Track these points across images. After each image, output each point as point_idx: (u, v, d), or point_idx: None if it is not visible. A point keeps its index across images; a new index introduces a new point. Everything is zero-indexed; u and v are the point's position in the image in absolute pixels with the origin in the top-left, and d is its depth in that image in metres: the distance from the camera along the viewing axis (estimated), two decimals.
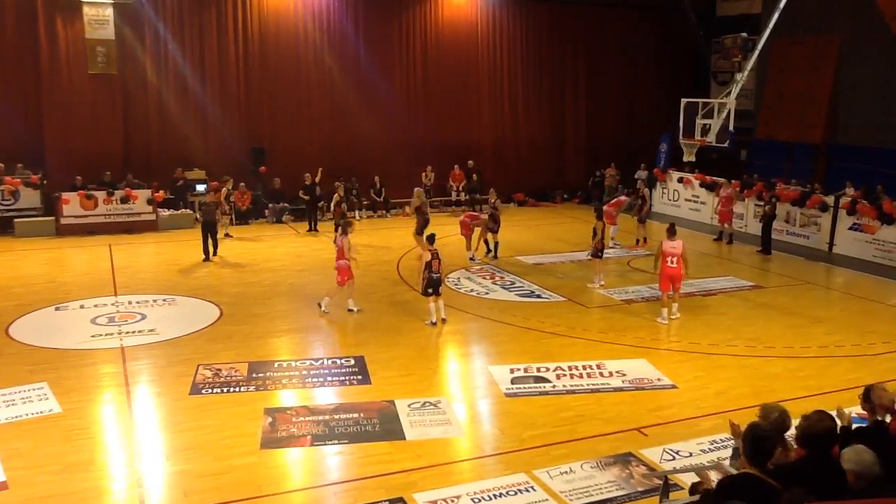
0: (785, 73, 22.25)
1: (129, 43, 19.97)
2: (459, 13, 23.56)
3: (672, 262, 11.89)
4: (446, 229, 17.47)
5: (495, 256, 16.35)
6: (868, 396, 5.31)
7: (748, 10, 23.88)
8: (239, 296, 13.39)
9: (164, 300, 13.08)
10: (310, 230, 19.46)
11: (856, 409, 5.61)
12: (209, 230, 16.13)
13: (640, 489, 6.89)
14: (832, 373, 9.96)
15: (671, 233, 12.27)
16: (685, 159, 20.68)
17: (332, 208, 17.91)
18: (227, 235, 18.18)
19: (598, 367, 9.99)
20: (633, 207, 18.85)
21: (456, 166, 23.18)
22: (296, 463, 7.48)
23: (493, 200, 16.91)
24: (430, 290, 11.65)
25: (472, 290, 13.98)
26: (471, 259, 16.22)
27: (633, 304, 13.18)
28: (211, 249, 16.12)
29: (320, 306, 12.32)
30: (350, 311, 12.34)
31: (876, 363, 10.30)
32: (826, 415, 4.50)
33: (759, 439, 4.21)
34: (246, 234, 19.09)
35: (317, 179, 19.56)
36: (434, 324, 11.69)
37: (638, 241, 18.02)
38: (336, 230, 14.42)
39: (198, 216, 19.53)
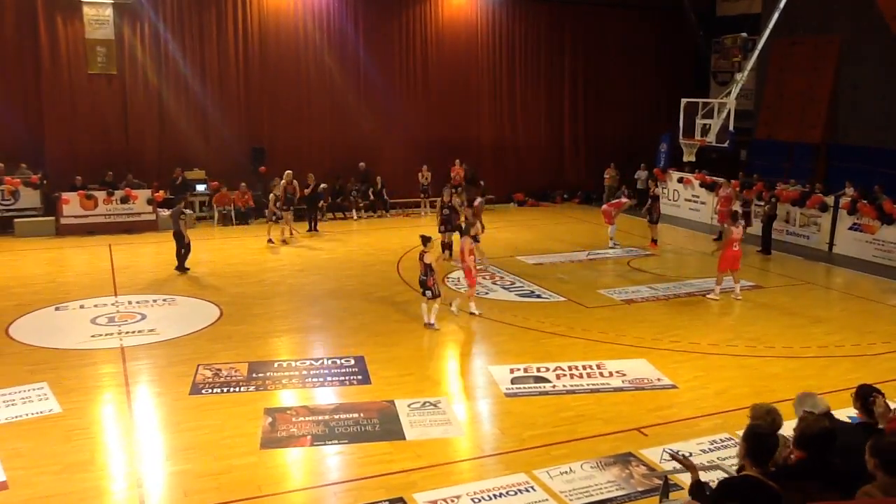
0: (785, 73, 22.26)
1: (129, 43, 19.98)
2: (459, 13, 23.57)
3: (737, 247, 13.36)
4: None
5: (450, 256, 15.73)
6: (865, 404, 5.28)
7: (748, 10, 23.88)
8: (239, 296, 13.39)
9: (164, 300, 13.08)
10: (310, 230, 19.46)
11: (848, 412, 5.61)
12: (176, 240, 14.83)
13: (640, 489, 6.89)
14: (832, 373, 9.96)
15: (736, 220, 13.90)
16: (685, 159, 20.69)
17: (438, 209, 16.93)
18: (269, 242, 17.70)
19: (598, 367, 9.99)
20: (644, 207, 18.64)
21: (457, 161, 23.18)
22: (296, 463, 7.48)
23: (446, 200, 16.33)
24: (421, 290, 11.64)
25: None
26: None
27: (633, 304, 13.18)
28: (183, 262, 14.94)
29: (474, 314, 12.20)
30: (451, 310, 12.24)
31: (876, 363, 10.30)
32: (823, 416, 4.50)
33: (760, 437, 4.20)
34: (246, 234, 19.10)
35: (311, 185, 19.47)
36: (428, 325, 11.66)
37: (655, 240, 17.84)
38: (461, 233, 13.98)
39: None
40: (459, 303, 12.27)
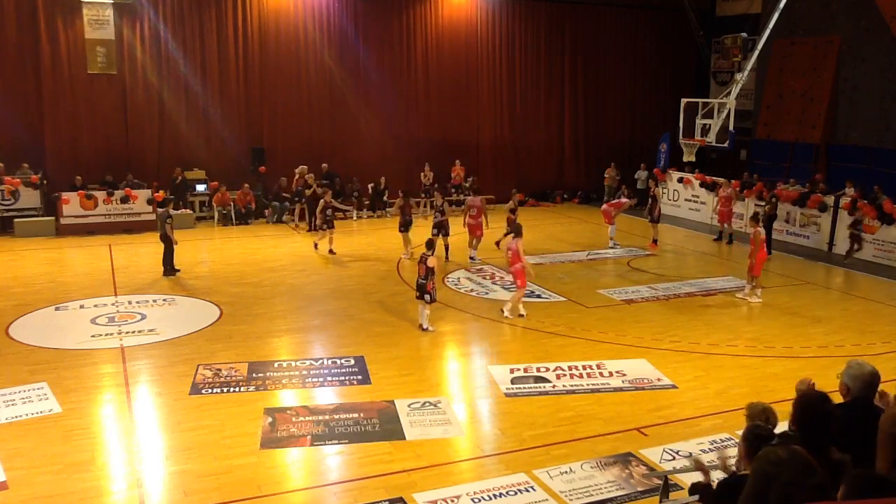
0: (785, 73, 22.27)
1: (129, 43, 19.98)
2: (459, 13, 23.57)
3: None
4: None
5: (447, 260, 15.90)
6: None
7: (748, 10, 23.90)
8: (239, 296, 13.39)
9: (164, 300, 13.08)
10: (310, 230, 19.46)
11: None
12: (164, 244, 14.63)
13: (640, 489, 6.89)
14: (832, 373, 9.86)
15: (758, 221, 14.03)
16: (685, 159, 20.74)
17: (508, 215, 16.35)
18: (331, 252, 16.59)
19: (598, 367, 9.99)
20: (646, 207, 18.60)
21: (457, 161, 23.23)
22: (296, 463, 7.48)
23: (439, 203, 16.44)
24: (416, 294, 11.61)
25: (472, 290, 13.98)
26: (471, 259, 16.22)
27: (633, 304, 13.18)
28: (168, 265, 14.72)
29: (512, 315, 12.05)
30: (521, 315, 12.14)
31: (876, 363, 10.16)
32: (821, 395, 4.42)
33: (761, 438, 4.19)
34: (246, 234, 19.10)
35: (309, 182, 19.58)
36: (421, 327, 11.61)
37: (656, 241, 17.76)
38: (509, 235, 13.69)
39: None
40: (513, 308, 12.21)
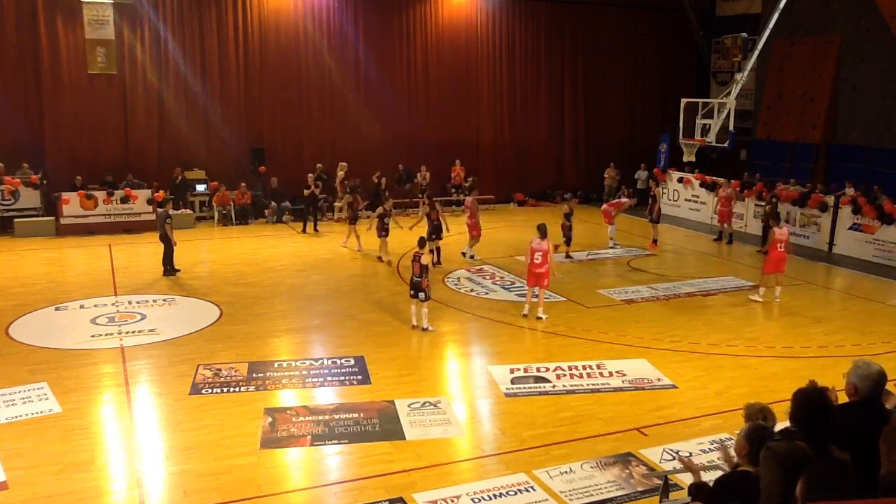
0: (785, 73, 22.27)
1: (129, 43, 19.99)
2: (459, 13, 23.57)
3: (781, 247, 13.20)
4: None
5: (438, 263, 15.39)
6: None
7: (748, 10, 23.92)
8: (239, 296, 13.39)
9: (164, 300, 13.08)
10: (304, 231, 19.41)
11: None
12: (164, 244, 14.59)
13: (640, 489, 6.89)
14: (832, 373, 9.88)
15: (779, 220, 14.20)
16: (685, 159, 20.74)
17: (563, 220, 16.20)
18: (386, 261, 15.95)
19: (598, 367, 9.99)
20: (646, 207, 18.55)
21: (457, 161, 23.22)
22: (296, 463, 7.48)
23: (425, 207, 16.41)
24: (411, 292, 11.62)
25: (472, 290, 13.99)
26: (462, 254, 16.25)
27: (633, 304, 13.18)
28: (168, 265, 14.67)
29: (540, 319, 12.04)
30: (539, 318, 12.05)
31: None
32: (819, 389, 4.40)
33: (764, 438, 4.17)
34: (246, 234, 19.10)
35: (309, 182, 19.50)
36: (414, 327, 11.57)
37: (656, 241, 17.72)
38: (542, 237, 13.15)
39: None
40: (544, 308, 12.21)
